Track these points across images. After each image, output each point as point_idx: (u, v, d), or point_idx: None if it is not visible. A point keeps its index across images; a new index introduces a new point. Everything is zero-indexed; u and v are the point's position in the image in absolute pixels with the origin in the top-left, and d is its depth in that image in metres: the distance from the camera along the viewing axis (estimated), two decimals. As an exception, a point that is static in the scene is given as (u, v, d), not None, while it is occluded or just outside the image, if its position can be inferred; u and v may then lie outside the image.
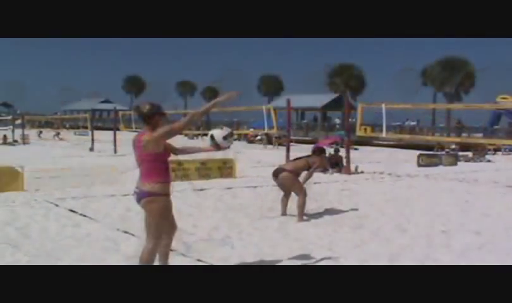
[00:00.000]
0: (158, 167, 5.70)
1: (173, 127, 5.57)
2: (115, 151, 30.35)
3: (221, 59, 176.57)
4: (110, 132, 33.76)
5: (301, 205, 10.57)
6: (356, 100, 69.48)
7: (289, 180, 10.74)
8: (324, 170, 20.04)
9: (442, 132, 60.64)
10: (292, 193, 10.87)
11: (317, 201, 12.77)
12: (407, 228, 10.16)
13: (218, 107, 5.94)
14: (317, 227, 10.01)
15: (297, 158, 11.53)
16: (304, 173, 11.01)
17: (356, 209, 12.10)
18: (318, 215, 11.22)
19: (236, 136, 31.24)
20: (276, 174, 10.88)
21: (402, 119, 63.48)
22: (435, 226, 10.39)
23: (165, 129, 5.57)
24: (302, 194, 10.63)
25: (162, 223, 5.82)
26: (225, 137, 6.18)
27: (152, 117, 5.67)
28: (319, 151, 11.56)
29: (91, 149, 32.93)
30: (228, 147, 6.27)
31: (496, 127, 64.80)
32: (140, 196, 5.73)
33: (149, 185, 5.65)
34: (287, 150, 20.76)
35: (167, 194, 5.78)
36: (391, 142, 47.34)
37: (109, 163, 22.49)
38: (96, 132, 35.65)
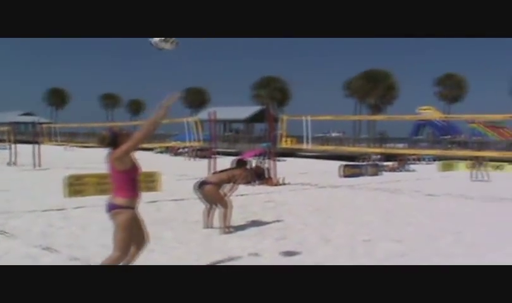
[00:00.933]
0: (126, 182, 6.02)
1: (132, 141, 5.89)
2: (37, 165, 29.56)
3: (145, 72, 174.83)
4: (31, 146, 32.71)
5: (225, 217, 10.54)
6: (283, 112, 70.04)
7: (213, 193, 10.69)
8: (249, 182, 20.07)
9: (366, 143, 61.74)
10: (216, 205, 10.84)
11: (242, 212, 12.78)
12: (330, 238, 10.25)
13: (166, 111, 6.00)
14: (241, 239, 10.00)
15: (220, 171, 11.52)
16: (228, 186, 10.99)
17: (281, 220, 12.14)
18: (242, 227, 11.21)
19: (159, 149, 30.89)
20: (200, 187, 10.82)
21: (327, 130, 64.51)
22: (358, 235, 10.52)
23: (125, 147, 5.87)
24: (226, 206, 10.60)
25: (127, 235, 6.03)
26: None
27: (115, 141, 5.94)
28: (242, 163, 11.59)
29: (12, 163, 31.79)
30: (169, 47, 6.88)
31: (418, 137, 66.52)
32: (109, 208, 6.03)
33: (117, 199, 5.99)
34: (212, 163, 20.72)
35: (132, 207, 6.06)
36: (315, 154, 47.88)
37: (30, 177, 21.91)
38: (17, 146, 34.45)
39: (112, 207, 6.01)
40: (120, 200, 5.99)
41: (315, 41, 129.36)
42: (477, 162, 26.26)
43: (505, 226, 12.14)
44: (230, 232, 10.51)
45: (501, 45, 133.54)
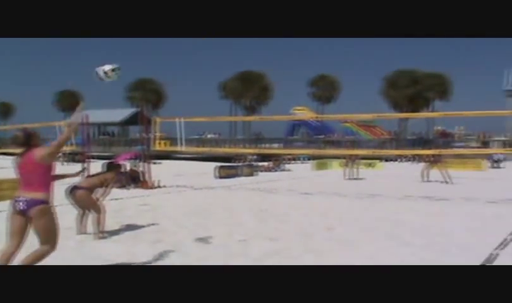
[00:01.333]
0: (49, 178, 6.44)
1: (60, 140, 6.45)
2: None
3: (15, 74, 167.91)
4: None
5: (99, 222, 10.32)
6: (159, 114, 69.41)
7: (85, 198, 10.44)
8: (123, 186, 19.78)
9: (242, 144, 62.35)
10: (89, 210, 10.58)
11: (116, 217, 12.56)
12: (206, 239, 10.25)
13: (73, 128, 6.88)
14: (116, 244, 9.80)
15: (92, 175, 11.24)
16: (101, 190, 10.75)
17: (156, 224, 12.01)
18: (117, 231, 11.00)
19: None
20: (71, 192, 10.52)
21: (202, 132, 64.66)
22: (234, 235, 10.59)
23: (56, 143, 6.42)
24: (99, 211, 10.38)
25: (56, 227, 6.59)
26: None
27: (29, 141, 6.34)
28: (113, 167, 11.41)
29: None
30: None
31: (293, 137, 67.87)
32: (33, 204, 6.25)
33: (41, 194, 6.30)
34: (86, 167, 20.20)
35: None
36: (191, 155, 47.83)
37: None
38: None
39: (37, 203, 6.26)
40: (44, 195, 6.34)
41: (190, 42, 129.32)
42: (350, 160, 27.06)
43: (375, 222, 12.60)
44: (104, 237, 10.29)
45: (372, 45, 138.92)
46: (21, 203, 6.31)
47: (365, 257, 8.67)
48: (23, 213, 6.35)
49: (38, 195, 6.29)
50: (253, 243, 9.83)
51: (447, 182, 23.63)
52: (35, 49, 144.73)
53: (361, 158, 29.05)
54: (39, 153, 6.26)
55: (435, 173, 24.36)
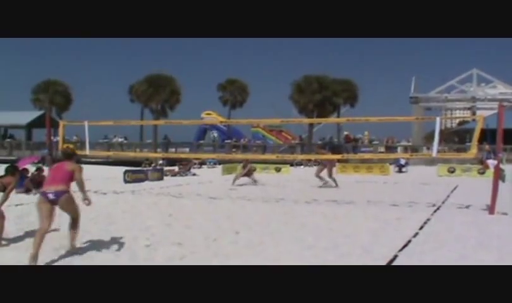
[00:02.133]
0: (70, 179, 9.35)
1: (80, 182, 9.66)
2: None
3: None
4: None
5: None
6: (66, 117, 67.85)
7: None
8: (27, 190, 19.31)
9: (150, 148, 61.82)
10: None
11: (18, 223, 12.29)
12: (111, 244, 10.16)
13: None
14: (18, 251, 9.56)
15: None
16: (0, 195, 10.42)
17: (60, 230, 11.75)
18: (19, 238, 10.75)
19: None
20: None
21: (113, 136, 63.79)
22: (139, 240, 10.53)
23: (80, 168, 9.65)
24: None
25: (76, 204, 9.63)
26: None
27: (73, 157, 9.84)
28: (11, 170, 10.87)
29: None
30: None
31: (202, 141, 67.86)
32: (61, 194, 9.13)
33: (64, 187, 9.21)
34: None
35: None
36: (100, 160, 47.06)
37: None
38: None
39: (64, 193, 9.16)
40: (66, 187, 9.23)
41: (98, 44, 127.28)
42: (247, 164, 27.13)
43: (278, 225, 12.78)
44: (5, 245, 10.01)
45: (282, 49, 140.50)
46: (50, 194, 9.00)
47: (270, 260, 8.79)
48: (52, 201, 9.03)
49: (62, 187, 9.14)
50: (159, 248, 9.81)
51: (336, 185, 23.87)
52: None
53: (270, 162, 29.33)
54: (72, 166, 9.43)
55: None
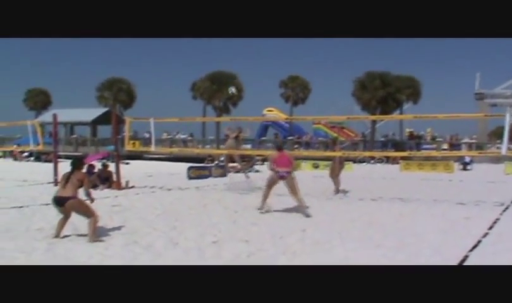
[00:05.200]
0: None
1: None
2: None
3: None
4: None
5: (94, 225, 10.16)
6: (129, 114, 68.89)
7: (78, 206, 10.20)
8: (94, 186, 19.63)
9: (212, 145, 62.19)
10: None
11: (86, 219, 12.46)
12: (179, 241, 10.22)
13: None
14: (88, 245, 9.70)
15: (66, 180, 10.47)
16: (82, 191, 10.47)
17: (128, 225, 11.94)
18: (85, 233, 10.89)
19: (0, 153, 29.68)
20: (61, 204, 10.27)
21: (176, 132, 64.47)
22: (206, 237, 10.56)
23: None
24: (93, 214, 10.21)
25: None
26: None
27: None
28: (78, 163, 10.79)
29: None
30: None
31: (264, 138, 67.98)
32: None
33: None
34: (55, 166, 20.14)
35: None
36: (162, 156, 47.58)
37: None
38: None
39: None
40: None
41: (161, 42, 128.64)
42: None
43: (344, 223, 12.66)
44: (100, 241, 10.13)
45: (344, 46, 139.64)
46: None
47: (338, 259, 8.71)
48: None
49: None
50: (225, 245, 9.82)
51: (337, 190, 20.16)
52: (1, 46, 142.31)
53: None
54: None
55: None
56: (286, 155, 14.97)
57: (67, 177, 10.43)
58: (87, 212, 10.29)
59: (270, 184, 14.70)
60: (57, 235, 10.39)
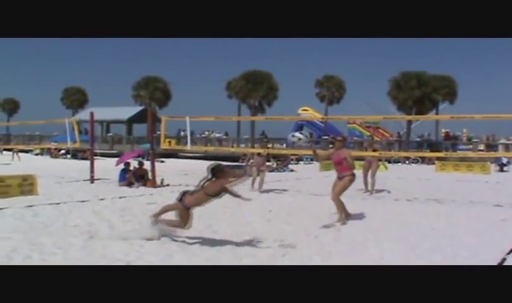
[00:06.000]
0: None
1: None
2: None
3: (20, 69, 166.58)
4: None
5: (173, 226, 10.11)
6: (164, 113, 69.36)
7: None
8: (130, 184, 19.83)
9: (247, 143, 62.33)
10: None
11: (123, 215, 12.61)
12: (213, 239, 10.24)
13: None
14: (124, 242, 9.76)
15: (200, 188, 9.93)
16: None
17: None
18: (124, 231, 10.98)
19: (38, 151, 30.21)
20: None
21: (211, 131, 64.87)
22: (241, 236, 10.56)
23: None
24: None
25: None
26: None
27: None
28: (218, 171, 9.79)
29: None
30: None
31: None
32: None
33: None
34: (91, 164, 20.40)
35: None
36: (197, 155, 47.81)
37: None
38: None
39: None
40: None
41: (196, 41, 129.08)
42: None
43: (380, 223, 12.58)
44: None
45: (379, 47, 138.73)
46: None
47: (372, 260, 8.66)
48: None
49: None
50: (260, 244, 9.82)
51: (368, 190, 20.09)
52: (40, 46, 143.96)
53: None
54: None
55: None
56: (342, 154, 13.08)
57: (202, 185, 9.77)
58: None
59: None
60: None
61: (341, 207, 12.72)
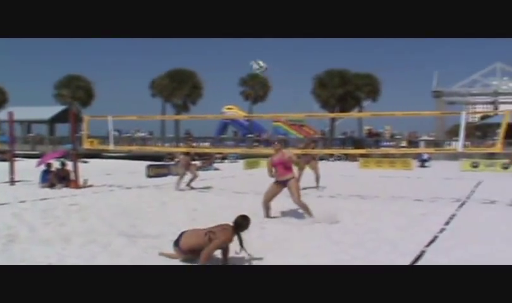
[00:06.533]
0: None
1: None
2: None
3: None
4: None
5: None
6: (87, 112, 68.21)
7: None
8: (51, 185, 19.42)
9: (172, 142, 61.97)
10: None
11: (44, 218, 12.35)
12: (138, 239, 10.14)
13: None
14: (45, 245, 9.55)
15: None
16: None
17: (86, 224, 11.82)
18: (45, 233, 10.74)
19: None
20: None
21: (134, 130, 64.18)
22: (166, 235, 10.49)
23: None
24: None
25: None
26: None
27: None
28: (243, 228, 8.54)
29: None
30: None
31: (223, 136, 68.01)
32: None
33: None
34: (11, 165, 19.91)
35: None
36: (121, 154, 47.24)
37: None
38: None
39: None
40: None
41: (119, 40, 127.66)
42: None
43: (304, 220, 12.72)
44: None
45: (303, 45, 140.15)
46: None
47: (299, 257, 8.75)
48: None
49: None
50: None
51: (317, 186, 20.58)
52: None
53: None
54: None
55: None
56: (286, 155, 12.92)
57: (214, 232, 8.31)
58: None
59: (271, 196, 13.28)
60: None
61: (306, 206, 12.89)
